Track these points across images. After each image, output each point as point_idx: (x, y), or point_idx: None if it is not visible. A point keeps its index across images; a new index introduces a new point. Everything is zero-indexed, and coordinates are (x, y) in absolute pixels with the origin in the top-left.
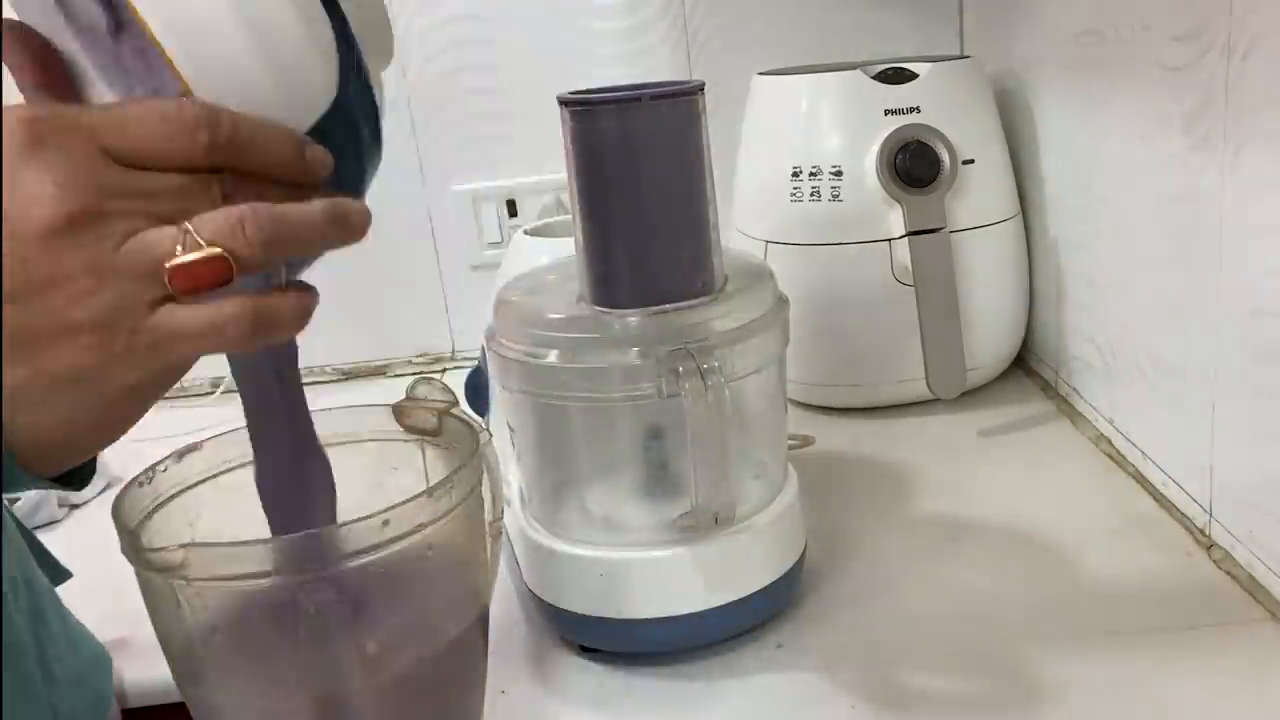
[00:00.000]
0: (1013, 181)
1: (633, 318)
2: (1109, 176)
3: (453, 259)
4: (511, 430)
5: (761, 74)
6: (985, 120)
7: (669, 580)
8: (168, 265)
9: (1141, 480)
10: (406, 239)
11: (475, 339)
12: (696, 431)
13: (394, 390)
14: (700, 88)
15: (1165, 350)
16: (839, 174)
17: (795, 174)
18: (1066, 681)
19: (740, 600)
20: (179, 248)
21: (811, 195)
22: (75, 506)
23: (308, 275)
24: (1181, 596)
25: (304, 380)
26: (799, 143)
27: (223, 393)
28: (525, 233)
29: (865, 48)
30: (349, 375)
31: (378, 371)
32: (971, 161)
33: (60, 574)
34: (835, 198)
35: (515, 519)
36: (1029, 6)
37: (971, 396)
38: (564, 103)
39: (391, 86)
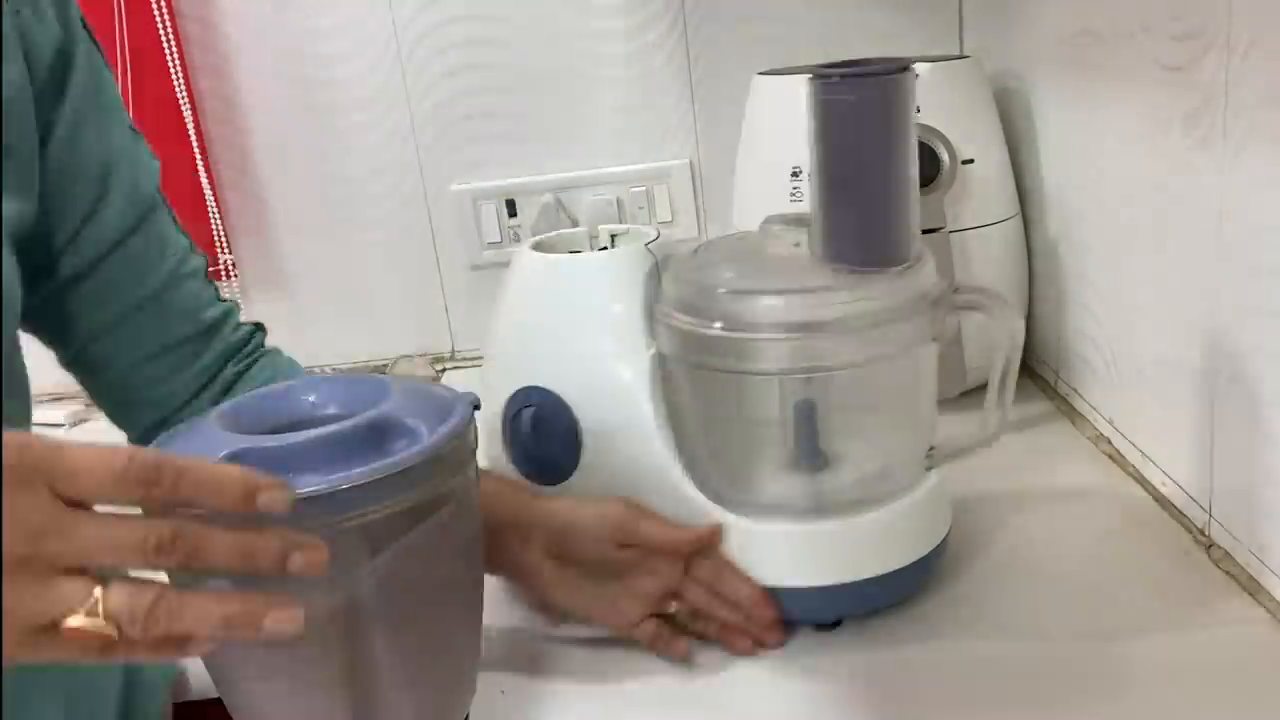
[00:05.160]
0: (1013, 181)
1: (877, 273)
2: (1109, 176)
3: (452, 259)
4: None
5: (761, 74)
6: (985, 120)
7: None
8: (63, 624)
9: (1141, 480)
10: (406, 239)
11: (475, 339)
12: (934, 374)
13: None
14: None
15: (1165, 350)
16: None
17: (795, 174)
18: (1066, 680)
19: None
20: (82, 610)
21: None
22: None
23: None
24: (1181, 596)
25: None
26: (799, 143)
27: None
28: (531, 247)
29: (865, 48)
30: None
31: (378, 371)
32: (971, 161)
33: None
34: None
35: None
36: (1028, 6)
37: (971, 396)
38: (816, 77)
39: (392, 86)
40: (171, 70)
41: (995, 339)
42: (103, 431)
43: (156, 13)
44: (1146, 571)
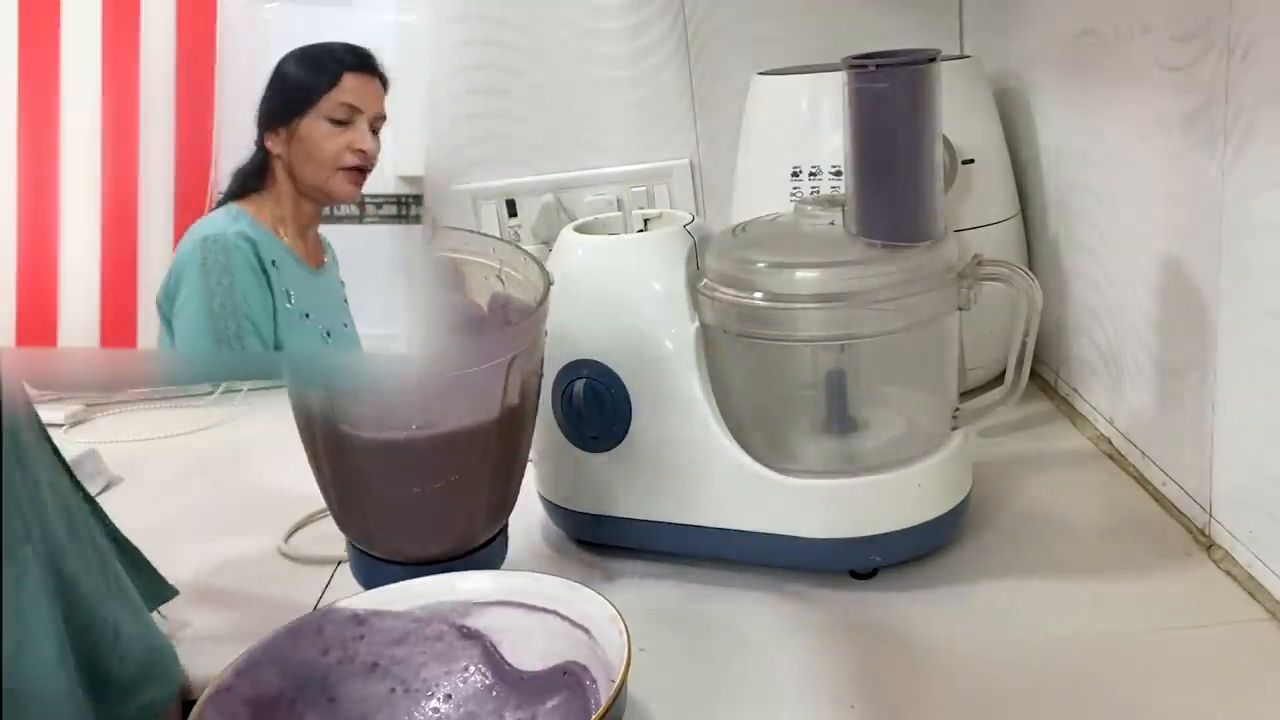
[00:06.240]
0: (1013, 181)
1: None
2: (1109, 176)
3: None
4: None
5: (761, 74)
6: (985, 120)
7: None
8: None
9: (1141, 480)
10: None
11: None
12: (957, 341)
13: None
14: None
15: (1165, 350)
16: (839, 174)
17: (795, 174)
18: (1066, 681)
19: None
20: None
21: (811, 195)
22: None
23: None
24: (1181, 596)
25: None
26: (799, 143)
27: (222, 393)
28: (573, 229)
29: (865, 48)
30: None
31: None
32: (971, 161)
33: (165, 590)
34: None
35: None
36: (1029, 6)
37: (971, 396)
38: (852, 67)
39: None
40: None
41: (1016, 305)
42: (100, 431)
43: None
44: (1146, 571)
